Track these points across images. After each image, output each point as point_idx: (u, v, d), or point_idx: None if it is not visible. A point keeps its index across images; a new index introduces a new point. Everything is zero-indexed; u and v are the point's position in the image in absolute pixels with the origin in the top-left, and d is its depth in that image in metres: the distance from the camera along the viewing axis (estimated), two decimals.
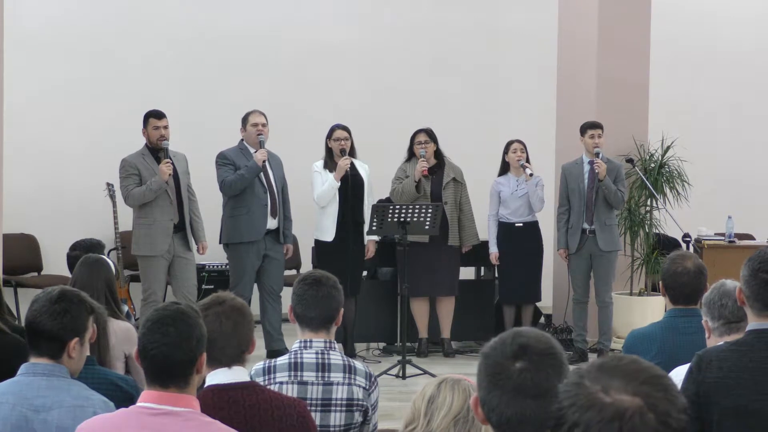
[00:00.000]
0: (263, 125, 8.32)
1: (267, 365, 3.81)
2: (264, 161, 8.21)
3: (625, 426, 1.59)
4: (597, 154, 8.59)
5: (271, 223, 8.29)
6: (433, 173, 8.75)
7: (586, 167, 8.67)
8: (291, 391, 3.72)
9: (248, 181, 8.20)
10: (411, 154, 8.80)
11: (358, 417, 3.77)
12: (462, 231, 8.84)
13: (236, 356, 3.25)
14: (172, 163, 7.95)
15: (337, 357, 3.78)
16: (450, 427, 2.63)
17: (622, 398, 1.61)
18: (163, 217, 7.93)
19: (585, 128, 8.71)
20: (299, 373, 3.72)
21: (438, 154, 8.82)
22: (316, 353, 3.75)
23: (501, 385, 2.00)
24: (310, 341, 3.76)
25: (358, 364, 3.85)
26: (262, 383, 3.61)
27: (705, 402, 3.17)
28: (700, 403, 3.17)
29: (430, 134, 8.76)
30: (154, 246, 7.87)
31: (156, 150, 8.00)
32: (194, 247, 8.16)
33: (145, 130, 8.05)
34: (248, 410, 3.22)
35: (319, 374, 3.74)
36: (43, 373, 3.23)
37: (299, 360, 3.74)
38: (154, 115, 8.06)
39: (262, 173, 8.25)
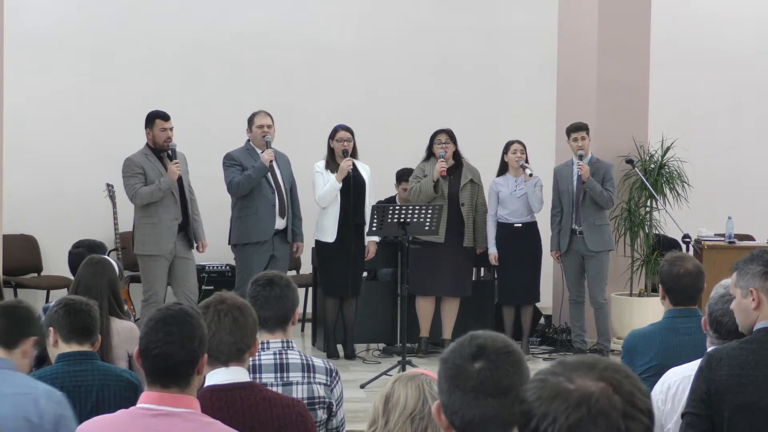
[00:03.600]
0: (268, 126, 8.31)
1: None
2: (271, 161, 8.21)
3: (592, 408, 1.60)
4: (580, 157, 8.61)
5: (279, 223, 8.28)
6: (451, 174, 8.75)
7: (575, 169, 8.69)
8: None
9: (255, 181, 8.19)
10: (430, 154, 8.80)
11: (321, 415, 3.73)
12: (477, 233, 8.84)
13: (234, 355, 3.23)
14: None
15: (295, 356, 3.74)
16: (407, 425, 2.61)
17: (587, 383, 1.63)
18: (168, 216, 7.91)
19: (569, 132, 8.75)
20: (257, 376, 3.66)
21: (456, 156, 8.82)
22: (274, 354, 3.70)
23: (461, 386, 2.02)
24: (267, 343, 3.71)
25: (318, 361, 3.80)
26: None
27: (716, 400, 3.17)
28: (712, 401, 3.18)
29: (450, 135, 8.76)
30: (159, 245, 7.85)
31: (159, 150, 7.98)
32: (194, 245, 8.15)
33: (150, 131, 8.00)
34: (248, 411, 3.21)
35: (278, 375, 3.69)
36: None
37: (257, 363, 3.68)
38: (160, 117, 8.00)
39: (269, 173, 8.25)
